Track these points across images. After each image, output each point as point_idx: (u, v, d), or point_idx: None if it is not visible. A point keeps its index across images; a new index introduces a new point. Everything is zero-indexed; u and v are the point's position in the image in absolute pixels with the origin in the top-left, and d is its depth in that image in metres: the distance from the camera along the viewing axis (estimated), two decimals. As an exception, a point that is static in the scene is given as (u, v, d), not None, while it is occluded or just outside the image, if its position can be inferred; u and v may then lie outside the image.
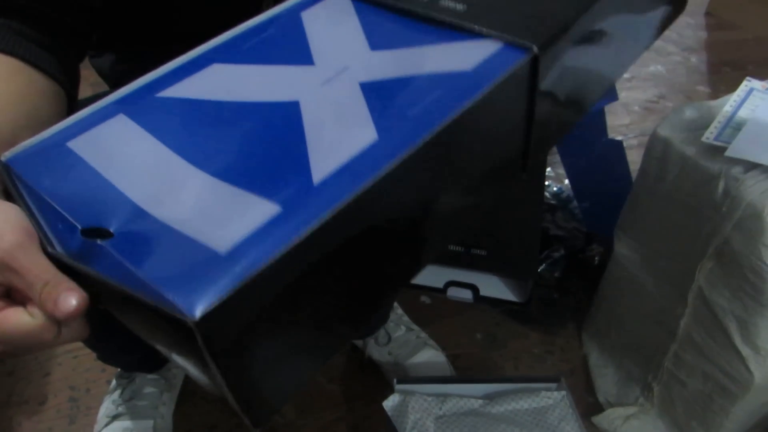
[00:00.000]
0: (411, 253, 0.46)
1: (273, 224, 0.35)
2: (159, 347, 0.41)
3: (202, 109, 0.44)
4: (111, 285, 0.33)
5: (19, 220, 0.36)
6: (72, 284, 0.34)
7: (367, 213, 0.39)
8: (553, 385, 0.81)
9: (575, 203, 1.25)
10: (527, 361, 1.03)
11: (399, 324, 0.98)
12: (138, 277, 0.33)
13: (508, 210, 1.05)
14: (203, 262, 0.33)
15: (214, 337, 0.32)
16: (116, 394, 0.87)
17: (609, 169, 1.11)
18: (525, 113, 0.49)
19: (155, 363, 0.89)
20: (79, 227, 0.36)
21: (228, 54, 0.48)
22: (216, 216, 0.36)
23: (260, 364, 0.37)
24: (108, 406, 0.86)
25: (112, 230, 0.36)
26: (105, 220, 0.37)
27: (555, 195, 1.30)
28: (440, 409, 0.77)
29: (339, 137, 0.40)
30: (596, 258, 1.18)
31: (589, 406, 0.95)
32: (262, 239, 0.34)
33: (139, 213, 0.37)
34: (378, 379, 0.97)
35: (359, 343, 1.00)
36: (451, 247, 1.10)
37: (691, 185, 0.78)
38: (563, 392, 0.80)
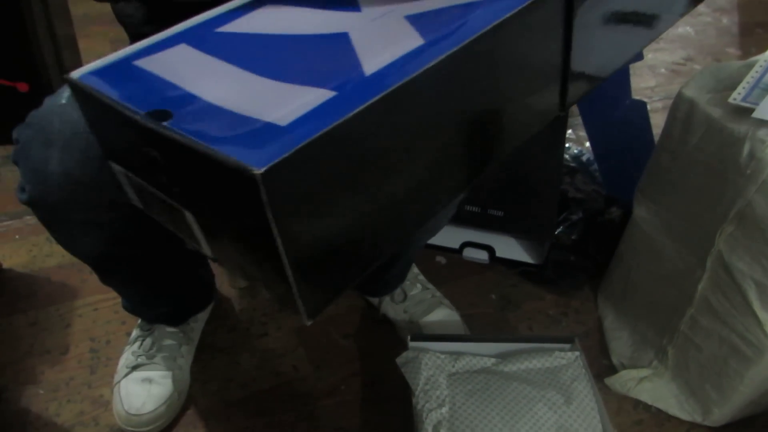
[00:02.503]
0: (461, 154, 0.48)
1: (330, 104, 0.37)
2: (204, 237, 0.45)
3: (259, 40, 0.47)
4: (180, 142, 0.36)
5: None
6: None
7: (417, 102, 0.41)
8: (567, 346, 0.81)
9: (595, 166, 1.23)
10: (542, 323, 1.04)
11: (415, 282, 0.99)
12: (202, 141, 0.35)
13: (526, 170, 1.04)
14: (265, 130, 0.36)
15: (277, 193, 0.33)
16: (136, 345, 0.89)
17: (631, 131, 1.09)
18: (562, 44, 0.51)
19: (177, 317, 0.91)
20: (143, 112, 0.39)
21: None
22: (276, 101, 0.38)
23: (321, 236, 0.38)
24: (128, 356, 0.88)
25: (173, 112, 0.38)
26: (169, 105, 0.39)
27: (575, 157, 1.28)
28: (453, 366, 0.77)
29: (387, 45, 0.43)
30: (615, 221, 1.16)
31: (602, 368, 0.95)
32: (320, 114, 0.36)
33: (201, 102, 0.40)
34: (392, 337, 0.98)
35: (374, 300, 1.00)
36: (468, 207, 1.09)
37: (715, 147, 0.76)
38: (577, 353, 0.80)
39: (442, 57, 0.41)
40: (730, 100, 0.72)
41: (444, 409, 0.72)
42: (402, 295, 0.97)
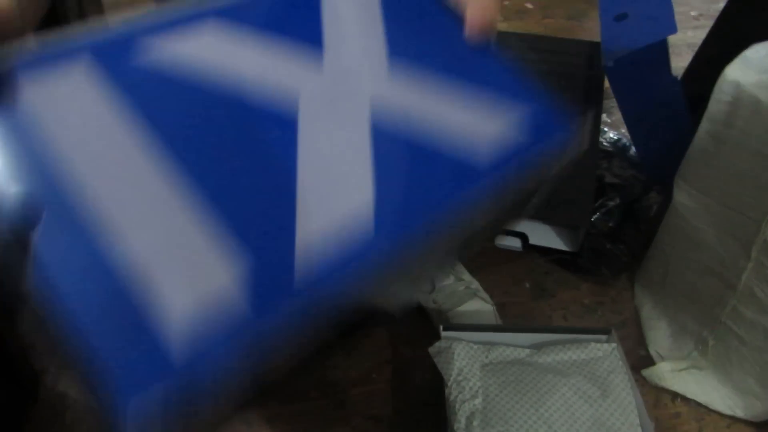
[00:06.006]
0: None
1: (234, 309, 0.29)
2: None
3: (190, 80, 0.36)
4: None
5: None
6: None
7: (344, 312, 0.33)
8: (603, 337, 0.79)
9: (633, 150, 1.19)
10: (577, 312, 1.01)
11: (447, 273, 0.97)
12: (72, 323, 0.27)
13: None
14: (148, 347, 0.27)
15: None
16: None
17: (671, 112, 1.05)
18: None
19: None
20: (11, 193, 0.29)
21: (231, 11, 0.40)
22: (178, 267, 0.29)
23: None
24: None
25: (42, 228, 0.29)
26: (43, 205, 0.30)
27: (612, 142, 1.24)
28: (486, 357, 0.76)
29: (334, 189, 0.34)
30: (653, 208, 1.13)
31: (639, 359, 0.93)
32: (219, 337, 0.28)
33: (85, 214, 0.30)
34: (425, 324, 0.97)
35: (406, 289, 0.99)
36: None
37: (762, 131, 0.73)
38: (613, 344, 0.78)
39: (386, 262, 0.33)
40: (780, 82, 0.69)
41: (477, 401, 0.71)
42: (430, 285, 0.96)
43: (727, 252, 0.83)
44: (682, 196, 0.91)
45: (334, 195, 0.34)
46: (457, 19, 0.43)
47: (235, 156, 0.34)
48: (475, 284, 0.97)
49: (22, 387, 0.85)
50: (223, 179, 0.33)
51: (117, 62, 0.36)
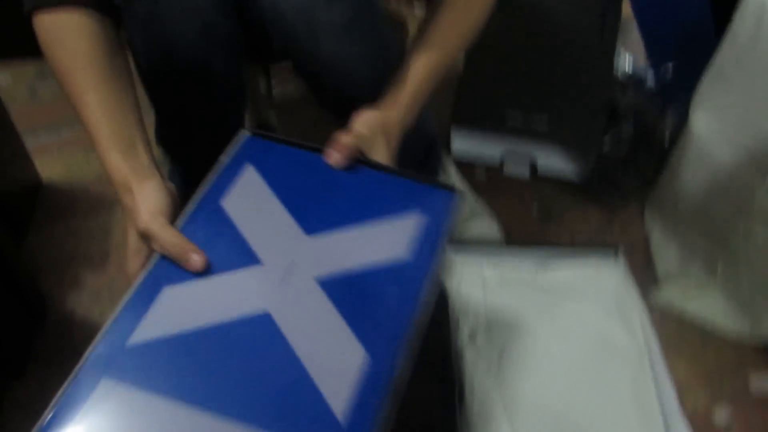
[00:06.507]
0: None
1: None
2: None
3: (180, 346, 0.43)
4: None
5: (159, 200, 0.50)
6: (193, 246, 0.47)
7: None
8: (610, 256, 0.78)
9: (649, 81, 1.15)
10: (585, 236, 1.00)
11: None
12: None
13: (574, 71, 0.97)
14: None
15: None
16: None
17: (690, 28, 1.00)
18: None
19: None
20: None
21: (173, 273, 0.47)
22: None
23: None
24: None
25: None
26: None
27: (628, 70, 1.20)
28: (490, 273, 0.75)
29: (332, 354, 0.44)
30: (667, 134, 1.10)
31: (647, 281, 0.92)
32: None
33: None
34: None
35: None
36: (510, 111, 1.04)
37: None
38: (620, 262, 0.77)
39: (399, 377, 0.43)
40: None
41: (480, 316, 0.71)
42: None
43: (742, 174, 0.81)
44: (698, 117, 0.88)
45: (328, 350, 0.44)
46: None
47: (244, 365, 0.43)
48: (480, 205, 0.96)
49: (29, 309, 0.86)
50: (246, 388, 0.42)
51: (122, 368, 0.43)
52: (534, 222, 1.02)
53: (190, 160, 0.81)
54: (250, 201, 0.52)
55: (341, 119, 0.70)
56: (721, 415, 0.78)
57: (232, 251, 0.48)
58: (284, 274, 0.47)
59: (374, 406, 0.41)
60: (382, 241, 0.50)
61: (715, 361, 0.83)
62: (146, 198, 0.50)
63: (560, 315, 0.70)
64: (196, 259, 0.46)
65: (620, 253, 0.77)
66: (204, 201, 0.51)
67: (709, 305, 0.86)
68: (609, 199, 1.06)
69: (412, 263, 0.49)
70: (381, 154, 0.57)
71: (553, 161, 1.09)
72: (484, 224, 0.93)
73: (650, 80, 1.16)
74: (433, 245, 0.51)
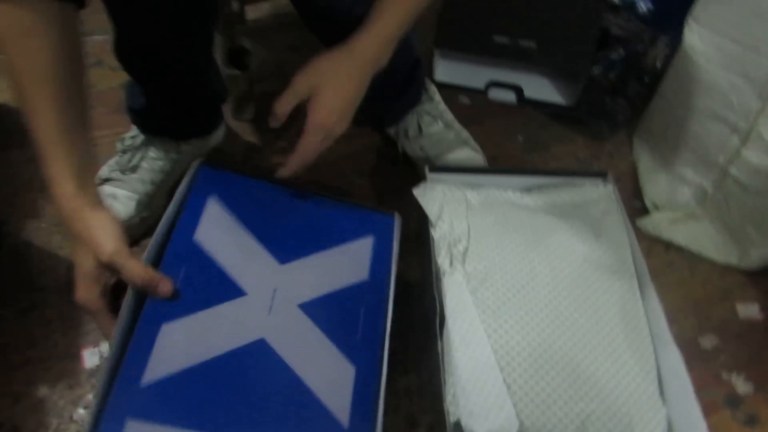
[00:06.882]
0: None
1: None
2: None
3: (192, 379, 0.47)
4: None
5: (115, 231, 0.51)
6: (160, 275, 0.51)
7: None
8: (599, 180, 0.75)
9: (641, 5, 1.10)
10: (571, 165, 0.96)
11: (436, 119, 0.90)
12: None
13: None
14: None
15: None
16: (114, 160, 0.83)
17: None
18: None
19: (178, 132, 0.84)
20: None
21: (167, 310, 0.50)
22: None
23: None
24: (103, 169, 0.83)
25: None
26: None
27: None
28: (474, 197, 0.71)
29: (326, 373, 0.51)
30: (658, 60, 1.05)
31: (634, 210, 0.89)
32: None
33: None
34: (410, 176, 0.92)
35: (392, 133, 0.93)
36: (497, 38, 0.98)
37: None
38: (609, 186, 0.73)
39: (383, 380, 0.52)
40: None
41: (462, 241, 0.67)
42: (416, 130, 0.89)
43: (737, 95, 0.77)
44: (693, 37, 0.83)
45: (322, 367, 0.51)
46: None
47: (258, 383, 0.49)
48: (465, 133, 0.91)
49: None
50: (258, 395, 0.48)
51: (141, 409, 0.46)
52: (520, 151, 0.98)
53: (154, 80, 0.75)
54: (220, 234, 0.56)
55: (326, 41, 0.66)
56: (709, 340, 0.76)
57: (217, 285, 0.52)
58: (270, 302, 0.53)
59: (370, 411, 0.48)
60: (344, 265, 0.58)
61: (702, 290, 0.81)
62: (102, 229, 0.51)
63: (547, 235, 0.67)
64: (165, 284, 0.51)
65: (609, 177, 0.74)
66: (177, 237, 0.54)
67: (697, 234, 0.84)
68: (597, 128, 1.02)
69: (372, 282, 0.58)
70: (330, 97, 0.60)
71: (541, 87, 1.05)
72: (468, 153, 0.89)
73: (642, 6, 1.11)
74: (387, 264, 0.61)
